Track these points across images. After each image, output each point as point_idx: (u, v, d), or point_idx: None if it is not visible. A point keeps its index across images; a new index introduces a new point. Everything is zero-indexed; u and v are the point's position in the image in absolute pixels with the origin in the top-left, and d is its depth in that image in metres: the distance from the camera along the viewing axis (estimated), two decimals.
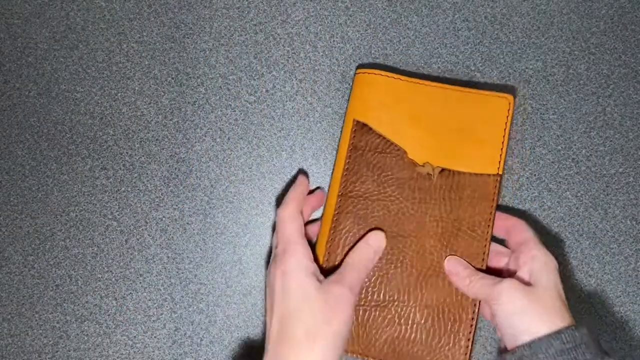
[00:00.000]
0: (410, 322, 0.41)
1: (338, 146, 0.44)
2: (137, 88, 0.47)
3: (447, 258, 0.41)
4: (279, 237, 0.40)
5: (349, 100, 0.44)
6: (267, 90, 0.47)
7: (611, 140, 0.47)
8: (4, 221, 0.47)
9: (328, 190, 0.43)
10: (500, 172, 0.42)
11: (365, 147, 0.42)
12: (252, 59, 0.47)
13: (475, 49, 0.47)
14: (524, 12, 0.48)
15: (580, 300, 0.46)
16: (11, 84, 0.47)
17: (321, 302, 0.37)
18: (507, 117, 0.43)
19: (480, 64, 0.47)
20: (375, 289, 0.41)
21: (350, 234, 0.42)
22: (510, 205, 0.47)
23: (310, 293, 0.37)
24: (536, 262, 0.39)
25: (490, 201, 0.42)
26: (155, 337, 0.46)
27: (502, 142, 0.43)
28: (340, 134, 0.43)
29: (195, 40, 0.47)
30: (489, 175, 0.42)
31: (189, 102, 0.47)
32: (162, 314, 0.46)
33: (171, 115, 0.47)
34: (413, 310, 0.41)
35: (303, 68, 0.47)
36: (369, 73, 0.44)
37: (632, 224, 0.47)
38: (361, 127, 0.43)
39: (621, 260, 0.46)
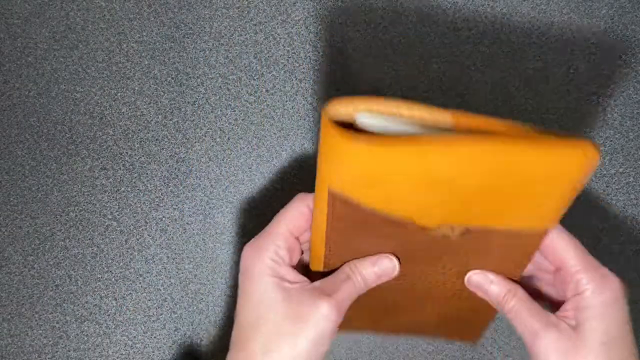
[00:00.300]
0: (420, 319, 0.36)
1: (315, 196, 0.30)
2: (136, 88, 0.47)
3: (468, 275, 0.32)
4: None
5: (318, 149, 0.28)
6: (267, 90, 0.47)
7: (611, 140, 0.47)
8: (4, 221, 0.47)
9: (310, 247, 0.33)
10: (554, 226, 0.29)
11: (351, 220, 0.29)
12: (252, 59, 0.47)
13: (476, 48, 0.47)
14: (524, 11, 0.48)
15: None
16: (11, 84, 0.47)
17: (287, 313, 0.30)
18: (580, 177, 0.25)
19: (481, 64, 0.47)
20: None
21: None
22: None
23: (272, 301, 0.30)
24: (584, 307, 0.29)
25: (533, 247, 0.30)
26: (155, 337, 0.46)
27: (564, 200, 0.27)
28: (314, 185, 0.30)
29: (195, 40, 0.47)
30: (535, 231, 0.29)
31: (188, 102, 0.47)
32: (162, 314, 0.46)
33: (171, 115, 0.47)
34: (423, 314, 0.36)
35: (303, 68, 0.47)
36: (343, 135, 0.24)
37: (633, 224, 0.47)
38: (342, 202, 0.28)
39: (622, 261, 0.46)
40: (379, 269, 0.32)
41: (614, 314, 0.29)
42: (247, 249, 0.32)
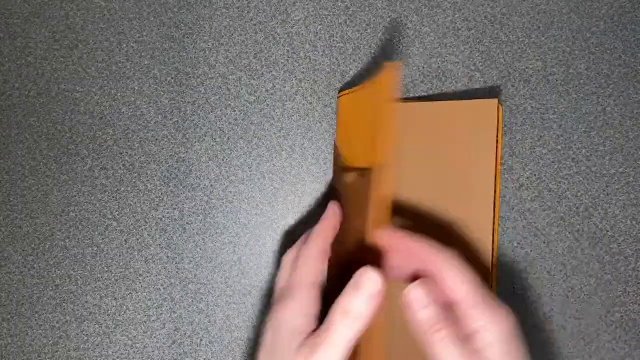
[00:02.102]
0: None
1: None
2: (136, 88, 0.47)
3: (408, 288, 0.32)
4: (283, 277, 0.35)
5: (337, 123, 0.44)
6: (267, 90, 0.47)
7: (611, 140, 0.47)
8: (4, 221, 0.47)
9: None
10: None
11: (336, 165, 0.41)
12: (252, 59, 0.47)
13: (475, 48, 0.47)
14: (524, 11, 0.48)
15: (580, 301, 0.46)
16: (11, 84, 0.47)
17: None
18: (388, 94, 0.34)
19: (480, 64, 0.47)
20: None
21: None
22: (511, 205, 0.47)
23: (287, 349, 0.31)
24: (482, 347, 0.30)
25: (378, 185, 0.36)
26: (155, 337, 0.46)
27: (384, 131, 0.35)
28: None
29: (195, 40, 0.47)
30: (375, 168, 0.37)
31: (188, 102, 0.47)
32: (162, 314, 0.46)
33: (171, 115, 0.47)
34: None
35: (303, 68, 0.47)
36: (341, 95, 0.44)
37: (633, 224, 0.47)
38: (334, 149, 0.43)
39: (621, 261, 0.46)
40: (363, 287, 0.30)
41: (508, 345, 0.30)
42: (280, 307, 0.33)
